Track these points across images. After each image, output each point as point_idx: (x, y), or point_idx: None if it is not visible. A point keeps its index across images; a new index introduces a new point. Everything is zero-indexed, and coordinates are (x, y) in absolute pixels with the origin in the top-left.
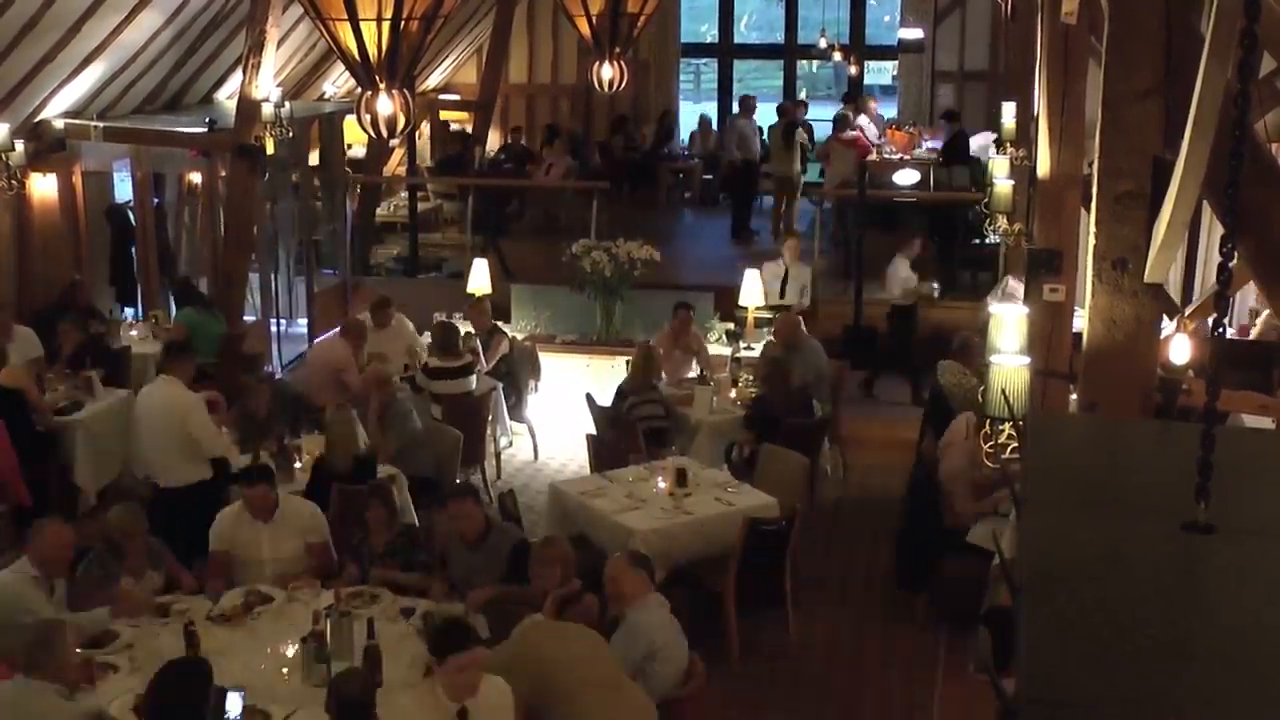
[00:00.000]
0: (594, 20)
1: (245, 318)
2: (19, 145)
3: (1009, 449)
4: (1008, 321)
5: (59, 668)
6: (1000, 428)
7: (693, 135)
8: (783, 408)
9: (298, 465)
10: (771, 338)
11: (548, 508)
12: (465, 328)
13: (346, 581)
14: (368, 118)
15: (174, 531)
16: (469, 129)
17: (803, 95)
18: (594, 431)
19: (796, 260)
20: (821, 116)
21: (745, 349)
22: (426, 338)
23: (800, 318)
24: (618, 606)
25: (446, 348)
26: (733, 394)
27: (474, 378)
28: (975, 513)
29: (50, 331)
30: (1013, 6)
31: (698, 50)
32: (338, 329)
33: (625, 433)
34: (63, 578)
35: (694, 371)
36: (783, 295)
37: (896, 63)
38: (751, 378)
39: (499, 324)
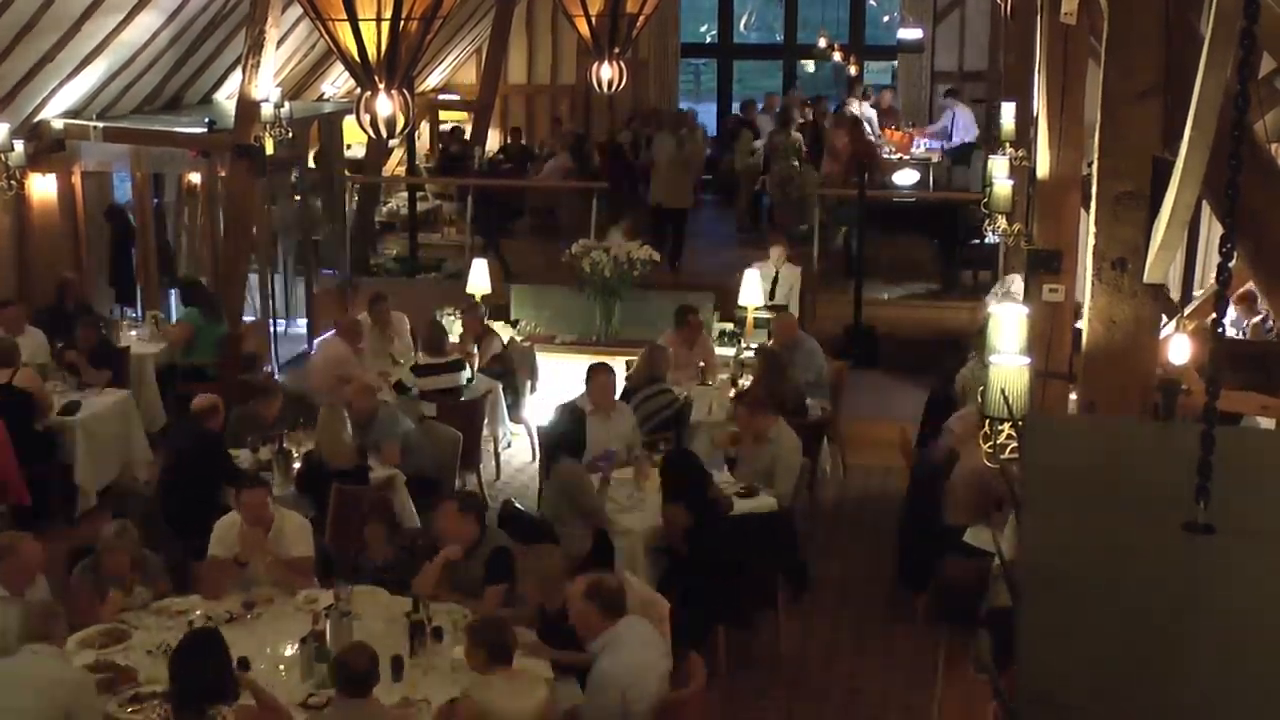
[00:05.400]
0: (593, 20)
1: (244, 318)
2: (19, 145)
3: (1009, 449)
4: (1008, 321)
5: (60, 640)
6: (1000, 428)
7: None
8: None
9: (296, 465)
10: (769, 339)
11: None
12: (458, 327)
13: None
14: (367, 118)
15: None
16: (467, 129)
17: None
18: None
19: (784, 262)
20: None
21: (746, 349)
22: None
23: (796, 318)
24: (585, 638)
25: (434, 346)
26: (732, 394)
27: (464, 373)
28: (969, 520)
29: (50, 332)
30: (1012, 6)
31: (698, 50)
32: (334, 329)
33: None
34: (30, 589)
35: (697, 376)
36: (772, 297)
37: (896, 63)
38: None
39: (489, 325)
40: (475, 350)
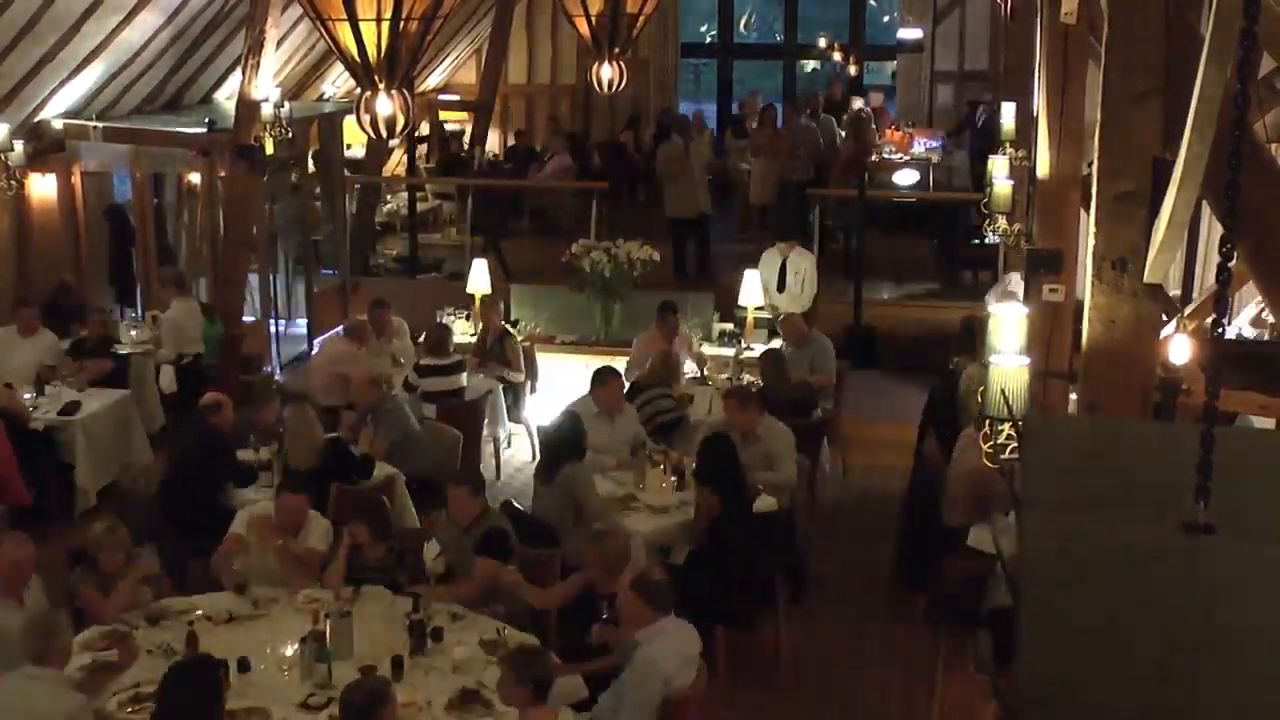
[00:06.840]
0: (593, 20)
1: (244, 318)
2: (18, 145)
3: (1009, 449)
4: (1008, 321)
5: (60, 654)
6: (1000, 428)
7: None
8: (780, 404)
9: None
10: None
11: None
12: (465, 326)
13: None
14: (367, 118)
15: None
16: (467, 129)
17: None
18: None
19: (792, 248)
20: None
21: (745, 350)
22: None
23: (802, 317)
24: (629, 631)
25: (438, 349)
26: None
27: (464, 375)
28: (968, 519)
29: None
30: (1012, 6)
31: (698, 50)
32: (339, 329)
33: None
34: (25, 590)
35: (692, 372)
36: (781, 288)
37: (896, 63)
38: (750, 378)
39: (506, 325)
40: (499, 348)
